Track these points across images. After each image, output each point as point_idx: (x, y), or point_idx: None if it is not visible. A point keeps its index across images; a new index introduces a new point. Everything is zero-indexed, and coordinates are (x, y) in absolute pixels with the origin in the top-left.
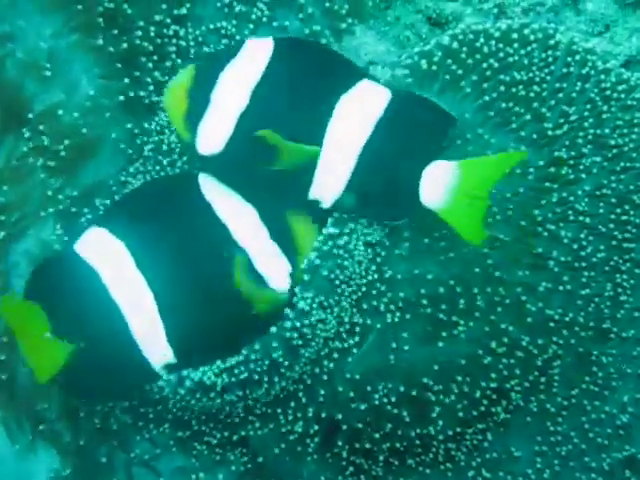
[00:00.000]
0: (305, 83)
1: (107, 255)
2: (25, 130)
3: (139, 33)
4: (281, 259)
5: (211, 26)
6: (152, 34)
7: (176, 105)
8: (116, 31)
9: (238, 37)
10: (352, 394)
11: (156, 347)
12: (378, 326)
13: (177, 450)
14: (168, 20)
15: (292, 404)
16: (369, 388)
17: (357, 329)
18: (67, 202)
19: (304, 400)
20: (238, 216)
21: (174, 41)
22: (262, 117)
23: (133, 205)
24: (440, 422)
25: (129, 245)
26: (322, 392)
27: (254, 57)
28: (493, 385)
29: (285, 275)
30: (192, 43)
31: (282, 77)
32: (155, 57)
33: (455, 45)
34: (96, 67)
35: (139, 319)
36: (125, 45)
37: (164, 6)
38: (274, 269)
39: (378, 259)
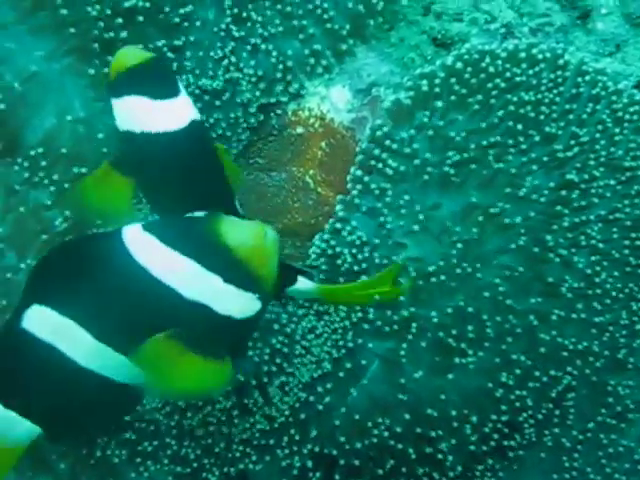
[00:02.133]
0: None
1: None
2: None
3: None
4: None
5: (210, 53)
6: None
7: None
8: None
9: (234, 60)
10: (351, 428)
11: None
12: (381, 353)
13: None
14: (163, 44)
15: (285, 438)
16: (370, 423)
17: (358, 354)
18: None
19: (298, 435)
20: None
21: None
22: None
23: (64, 272)
24: (450, 458)
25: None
26: (316, 426)
27: None
28: (505, 418)
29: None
30: (189, 67)
31: None
32: None
33: (459, 65)
34: (89, 90)
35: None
36: None
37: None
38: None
39: None
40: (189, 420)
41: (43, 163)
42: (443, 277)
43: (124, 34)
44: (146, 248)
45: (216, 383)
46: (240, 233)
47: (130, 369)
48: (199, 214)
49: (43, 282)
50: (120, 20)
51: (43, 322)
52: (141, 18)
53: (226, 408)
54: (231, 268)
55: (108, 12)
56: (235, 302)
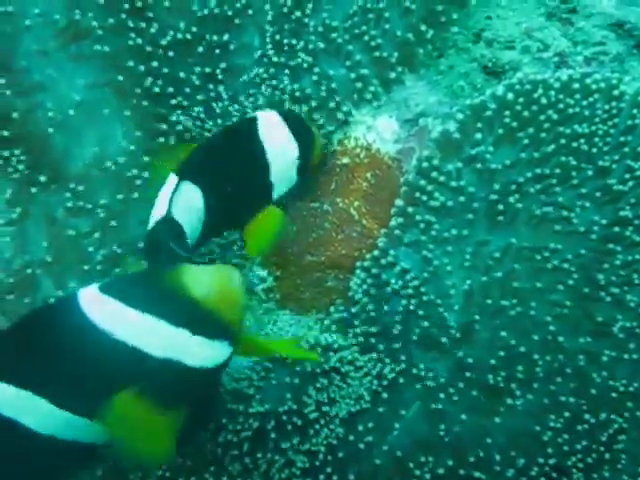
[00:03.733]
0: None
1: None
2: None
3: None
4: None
5: (251, 75)
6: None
7: None
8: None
9: (275, 82)
10: (392, 469)
11: None
12: (425, 392)
13: None
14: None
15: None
16: (411, 464)
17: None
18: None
19: (336, 473)
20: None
21: (211, 91)
22: None
23: (21, 345)
24: None
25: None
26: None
27: None
28: (552, 462)
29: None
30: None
31: None
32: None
33: (510, 96)
34: (131, 120)
35: None
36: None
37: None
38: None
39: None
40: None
41: (83, 190)
42: (493, 316)
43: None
44: (105, 310)
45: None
46: (204, 282)
47: (90, 431)
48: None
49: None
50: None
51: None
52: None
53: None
54: (199, 320)
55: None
56: (206, 352)
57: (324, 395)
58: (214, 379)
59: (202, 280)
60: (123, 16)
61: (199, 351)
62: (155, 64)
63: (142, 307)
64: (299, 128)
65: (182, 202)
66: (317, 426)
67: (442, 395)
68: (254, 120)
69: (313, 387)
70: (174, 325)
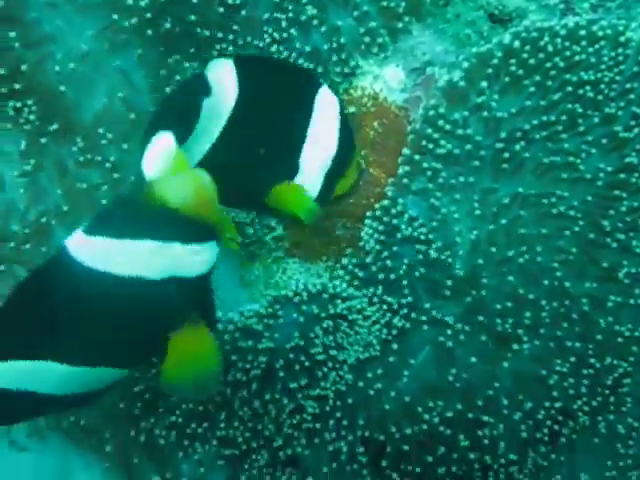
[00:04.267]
0: (274, 102)
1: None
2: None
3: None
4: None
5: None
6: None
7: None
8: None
9: (286, 36)
10: (400, 412)
11: None
12: (434, 337)
13: (224, 468)
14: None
15: (332, 422)
16: (420, 409)
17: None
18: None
19: (346, 419)
20: None
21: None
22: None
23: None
24: (502, 444)
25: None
26: (366, 410)
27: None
28: (558, 405)
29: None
30: (240, 42)
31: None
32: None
33: (517, 44)
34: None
35: None
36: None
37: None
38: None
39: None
40: (238, 403)
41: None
42: (500, 263)
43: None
44: (97, 251)
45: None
46: (177, 191)
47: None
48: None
49: (5, 335)
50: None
51: (15, 375)
52: None
53: (275, 390)
54: (186, 229)
55: None
56: (202, 258)
57: (331, 338)
58: (209, 281)
59: (175, 189)
60: None
61: (196, 259)
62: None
63: (130, 235)
64: (348, 140)
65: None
66: (325, 369)
67: (450, 341)
68: (314, 91)
69: (320, 328)
70: (166, 242)
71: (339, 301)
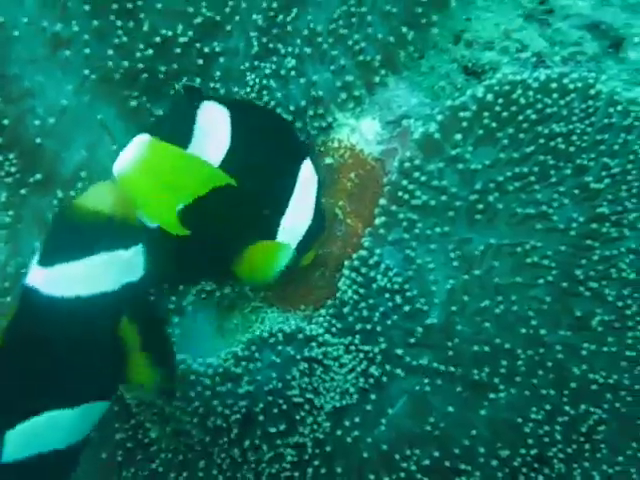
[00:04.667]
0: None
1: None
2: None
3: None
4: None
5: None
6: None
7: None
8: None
9: (265, 92)
10: (378, 462)
11: None
12: (410, 388)
13: None
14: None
15: (310, 470)
16: (398, 456)
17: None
18: None
19: (324, 467)
20: None
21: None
22: None
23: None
24: None
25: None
26: (344, 459)
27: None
28: (533, 452)
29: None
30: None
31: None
32: None
33: (490, 97)
34: (119, 121)
35: None
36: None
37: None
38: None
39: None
40: (217, 450)
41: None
42: (475, 312)
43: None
44: (61, 280)
45: None
46: (100, 199)
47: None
48: None
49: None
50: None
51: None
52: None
53: (255, 435)
54: (120, 234)
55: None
56: (141, 258)
57: (307, 381)
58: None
59: (99, 199)
60: (112, 18)
61: (139, 260)
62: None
63: (83, 254)
64: (320, 216)
65: None
66: (303, 413)
67: (427, 391)
68: (299, 161)
69: (297, 369)
70: (112, 250)
71: (315, 345)
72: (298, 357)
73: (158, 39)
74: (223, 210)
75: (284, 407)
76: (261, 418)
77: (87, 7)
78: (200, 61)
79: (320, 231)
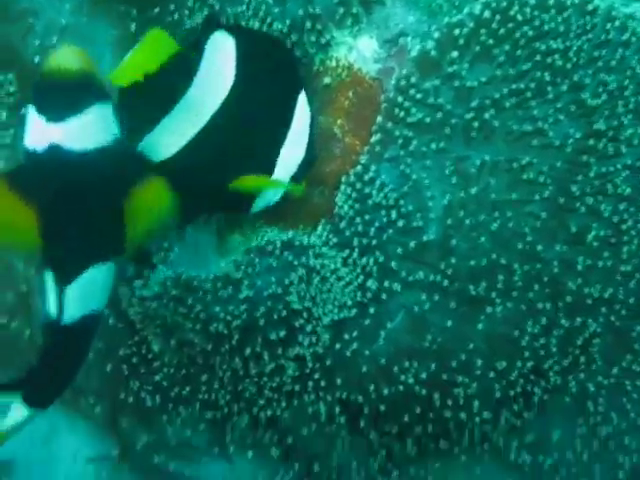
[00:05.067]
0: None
1: None
2: None
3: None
4: None
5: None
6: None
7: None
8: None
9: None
10: (377, 375)
11: None
12: (407, 301)
13: (207, 431)
14: None
15: (311, 384)
16: (396, 369)
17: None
18: None
19: (324, 380)
20: None
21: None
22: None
23: None
24: (476, 403)
25: None
26: (343, 372)
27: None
28: (530, 365)
29: None
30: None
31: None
32: None
33: (487, 14)
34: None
35: None
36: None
37: None
38: None
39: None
40: (219, 360)
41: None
42: (472, 228)
43: None
44: (70, 134)
45: None
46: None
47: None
48: None
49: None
50: None
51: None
52: None
53: (255, 352)
54: (97, 89)
55: None
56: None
57: (304, 288)
58: None
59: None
60: None
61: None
62: None
63: (78, 110)
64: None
65: None
66: (302, 320)
67: (424, 305)
68: (296, 95)
69: (295, 275)
70: (102, 104)
71: (312, 254)
72: (296, 263)
73: None
74: (225, 142)
75: (284, 313)
76: (262, 323)
77: None
78: None
79: (311, 164)
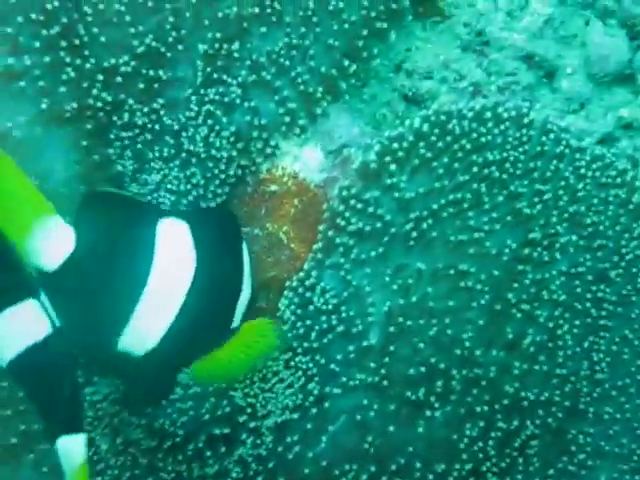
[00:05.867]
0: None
1: None
2: None
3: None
4: None
5: (186, 113)
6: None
7: None
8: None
9: (211, 120)
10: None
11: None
12: (348, 408)
13: None
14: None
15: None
16: (337, 472)
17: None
18: None
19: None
20: None
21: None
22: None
23: None
24: None
25: None
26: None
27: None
28: (468, 467)
29: None
30: (168, 122)
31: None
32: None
33: (426, 128)
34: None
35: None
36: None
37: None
38: None
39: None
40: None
41: None
42: (411, 333)
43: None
44: None
45: None
46: None
47: None
48: None
49: None
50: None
51: None
52: (119, 79)
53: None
54: None
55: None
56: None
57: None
58: None
59: None
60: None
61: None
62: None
63: None
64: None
65: None
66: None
67: (365, 410)
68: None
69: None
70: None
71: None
72: None
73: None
74: (198, 316)
75: (227, 409)
76: (206, 418)
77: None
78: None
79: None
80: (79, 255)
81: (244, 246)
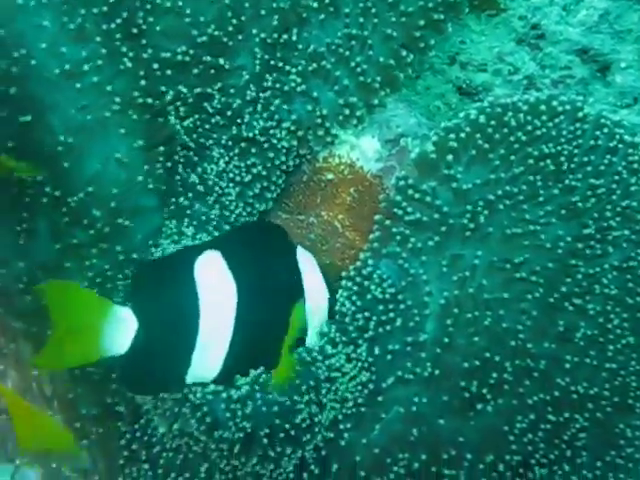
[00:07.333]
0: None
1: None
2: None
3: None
4: None
5: (246, 97)
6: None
7: None
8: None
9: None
10: (370, 465)
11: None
12: (404, 395)
13: None
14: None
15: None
16: (389, 460)
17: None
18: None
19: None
20: None
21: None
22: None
23: None
24: None
25: None
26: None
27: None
28: (517, 458)
29: None
30: (229, 113)
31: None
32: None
33: (482, 119)
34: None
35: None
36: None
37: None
38: None
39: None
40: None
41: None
42: (467, 324)
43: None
44: None
45: None
46: None
47: None
48: None
49: None
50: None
51: None
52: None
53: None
54: None
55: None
56: None
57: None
58: None
59: None
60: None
61: None
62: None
63: None
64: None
65: None
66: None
67: (419, 400)
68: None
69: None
70: None
71: (320, 360)
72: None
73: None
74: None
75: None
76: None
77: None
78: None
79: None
80: (142, 333)
81: (300, 253)
